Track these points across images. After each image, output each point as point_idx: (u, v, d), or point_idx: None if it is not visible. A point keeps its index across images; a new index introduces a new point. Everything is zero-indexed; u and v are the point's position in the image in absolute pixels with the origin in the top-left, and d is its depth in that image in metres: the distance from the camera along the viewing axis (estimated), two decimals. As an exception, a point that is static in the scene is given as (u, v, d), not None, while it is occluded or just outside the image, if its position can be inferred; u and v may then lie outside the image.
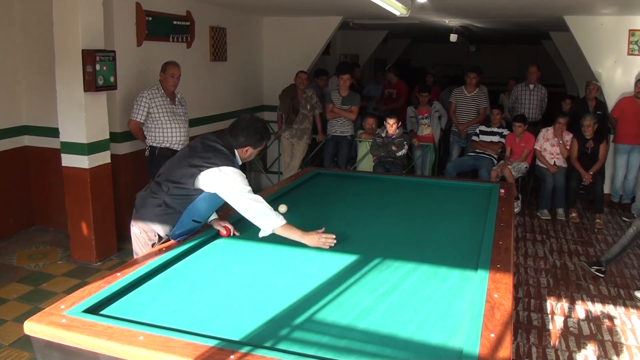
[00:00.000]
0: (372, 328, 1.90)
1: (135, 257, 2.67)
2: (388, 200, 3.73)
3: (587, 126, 5.99)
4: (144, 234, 2.73)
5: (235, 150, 2.72)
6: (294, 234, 2.62)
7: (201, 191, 2.62)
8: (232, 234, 2.79)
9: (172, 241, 2.66)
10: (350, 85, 6.70)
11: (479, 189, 3.96)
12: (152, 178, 3.43)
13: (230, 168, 2.60)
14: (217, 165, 2.58)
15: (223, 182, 2.57)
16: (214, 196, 2.64)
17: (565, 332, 3.63)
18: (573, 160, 6.15)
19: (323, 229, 2.67)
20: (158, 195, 2.69)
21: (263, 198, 2.64)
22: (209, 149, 2.65)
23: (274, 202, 3.40)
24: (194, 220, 2.71)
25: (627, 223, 5.95)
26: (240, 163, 2.77)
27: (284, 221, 2.61)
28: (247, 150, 2.75)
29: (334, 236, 2.63)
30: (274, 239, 2.76)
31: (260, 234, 2.66)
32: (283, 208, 3.17)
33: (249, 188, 2.61)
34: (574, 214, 6.17)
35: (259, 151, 2.85)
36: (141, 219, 2.73)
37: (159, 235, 2.72)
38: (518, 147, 6.39)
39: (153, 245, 2.71)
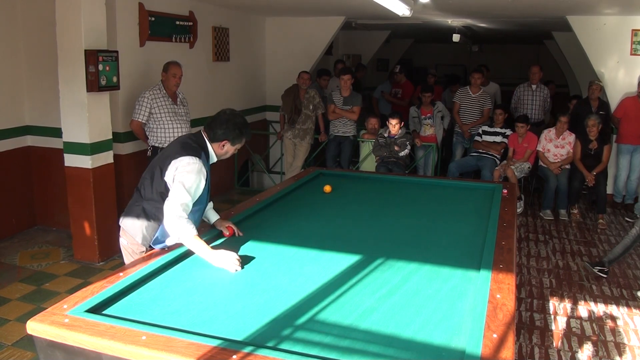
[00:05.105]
0: (375, 328, 1.90)
1: None
2: (390, 200, 3.73)
3: (591, 126, 5.96)
4: (131, 245, 2.66)
5: (210, 146, 2.62)
6: (200, 249, 2.40)
7: None
8: (235, 234, 2.77)
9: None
10: (352, 85, 6.70)
11: (481, 189, 3.96)
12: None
13: (192, 158, 2.48)
14: (181, 156, 2.49)
15: (177, 167, 2.47)
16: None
17: (568, 332, 3.63)
18: (576, 161, 6.13)
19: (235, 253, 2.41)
20: (138, 203, 2.63)
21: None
22: (178, 145, 2.58)
23: (276, 202, 3.42)
24: None
25: (629, 223, 5.93)
26: (214, 160, 2.67)
27: (194, 232, 2.41)
28: (223, 145, 2.62)
29: (240, 259, 2.39)
30: (276, 238, 2.76)
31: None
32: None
33: (194, 187, 2.46)
34: (574, 210, 6.18)
35: (236, 149, 2.69)
36: (126, 229, 2.66)
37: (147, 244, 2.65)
38: (521, 147, 6.38)
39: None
